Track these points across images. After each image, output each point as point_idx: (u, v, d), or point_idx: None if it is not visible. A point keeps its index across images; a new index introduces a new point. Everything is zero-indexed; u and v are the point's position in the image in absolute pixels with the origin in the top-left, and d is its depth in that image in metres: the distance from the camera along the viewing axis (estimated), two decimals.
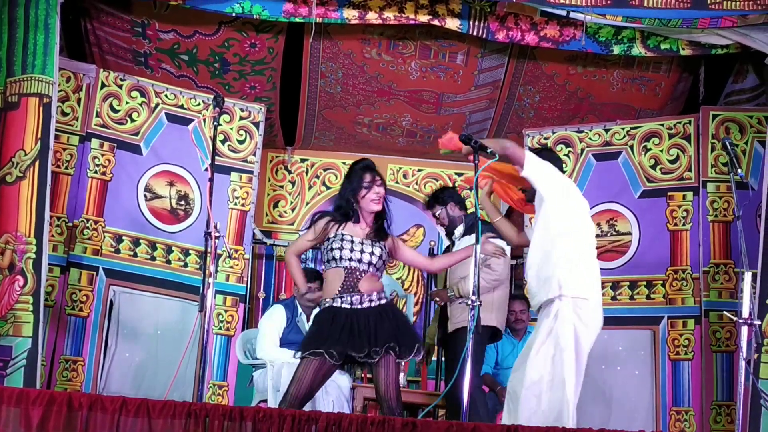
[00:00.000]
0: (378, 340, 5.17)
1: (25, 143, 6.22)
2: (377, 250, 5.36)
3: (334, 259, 5.32)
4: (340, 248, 5.30)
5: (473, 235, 6.37)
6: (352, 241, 5.32)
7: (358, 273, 5.30)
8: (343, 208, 5.42)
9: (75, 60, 7.49)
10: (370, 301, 5.30)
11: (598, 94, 8.18)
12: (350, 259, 5.29)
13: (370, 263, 5.33)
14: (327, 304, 5.32)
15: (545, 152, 5.63)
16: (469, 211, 6.81)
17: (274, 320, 7.06)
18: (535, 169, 5.23)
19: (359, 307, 5.27)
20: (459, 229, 6.61)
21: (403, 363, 5.44)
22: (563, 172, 5.58)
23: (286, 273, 8.94)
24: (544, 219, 5.29)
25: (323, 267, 5.46)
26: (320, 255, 5.54)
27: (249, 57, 7.89)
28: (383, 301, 5.35)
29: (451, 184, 9.45)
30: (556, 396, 5.04)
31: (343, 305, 5.26)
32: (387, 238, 5.46)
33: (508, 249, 6.43)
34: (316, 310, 7.41)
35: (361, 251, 5.32)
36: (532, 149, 5.95)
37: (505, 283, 6.51)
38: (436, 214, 6.67)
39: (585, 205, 5.46)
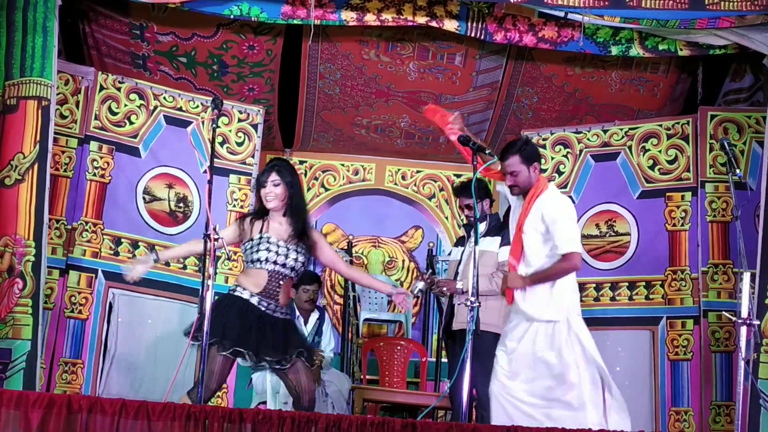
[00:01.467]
0: (288, 348, 5.37)
1: (23, 146, 6.23)
2: (301, 257, 5.50)
3: (258, 260, 5.45)
4: (267, 250, 5.44)
5: (496, 239, 6.37)
6: (278, 245, 5.46)
7: (280, 277, 5.44)
8: (259, 208, 5.62)
9: (73, 63, 7.49)
10: (282, 313, 5.48)
11: (596, 95, 8.19)
12: (275, 262, 5.43)
13: (292, 269, 5.48)
14: (245, 296, 5.43)
15: (528, 146, 5.66)
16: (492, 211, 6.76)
17: None
18: (571, 243, 5.41)
19: (272, 315, 5.43)
20: (482, 227, 6.50)
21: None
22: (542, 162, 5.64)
23: None
24: (551, 246, 5.42)
25: (246, 264, 5.58)
26: (243, 253, 5.63)
27: (247, 59, 7.90)
28: (287, 317, 5.55)
29: (449, 185, 9.47)
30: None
31: (260, 306, 5.41)
32: (308, 239, 5.56)
33: None
34: (314, 314, 7.43)
35: (286, 255, 5.46)
36: (516, 143, 5.88)
37: None
38: (471, 205, 6.49)
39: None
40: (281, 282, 5.44)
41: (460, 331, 6.37)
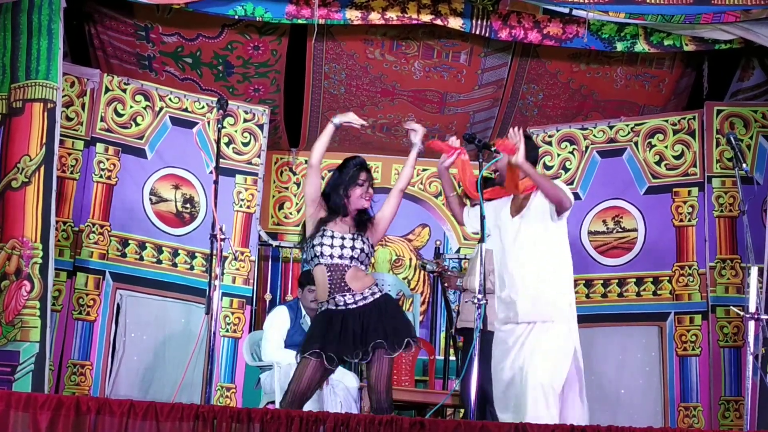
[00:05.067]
0: (368, 340, 5.18)
1: (30, 149, 6.24)
2: (359, 244, 5.34)
3: (316, 256, 5.33)
4: (321, 244, 5.30)
5: None
6: (333, 237, 5.32)
7: (341, 268, 5.29)
8: (337, 206, 5.43)
9: (79, 65, 7.51)
10: (364, 298, 5.29)
11: (601, 91, 8.18)
12: (331, 255, 5.29)
13: (351, 257, 5.30)
14: (323, 307, 5.33)
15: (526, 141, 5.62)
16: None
17: (277, 322, 7.07)
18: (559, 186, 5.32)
19: (353, 306, 5.26)
20: None
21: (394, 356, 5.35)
22: (538, 160, 5.59)
23: (292, 274, 8.95)
24: (547, 234, 5.35)
25: (308, 266, 5.50)
26: (303, 254, 5.54)
27: (252, 59, 7.90)
28: (377, 296, 5.32)
29: (456, 184, 9.47)
30: None
31: (338, 307, 5.27)
32: (368, 228, 5.45)
33: None
34: None
35: (342, 246, 5.30)
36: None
37: None
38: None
39: None
40: (344, 271, 5.27)
41: (465, 329, 6.37)
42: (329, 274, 5.29)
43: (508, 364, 5.31)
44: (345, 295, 5.27)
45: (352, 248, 5.31)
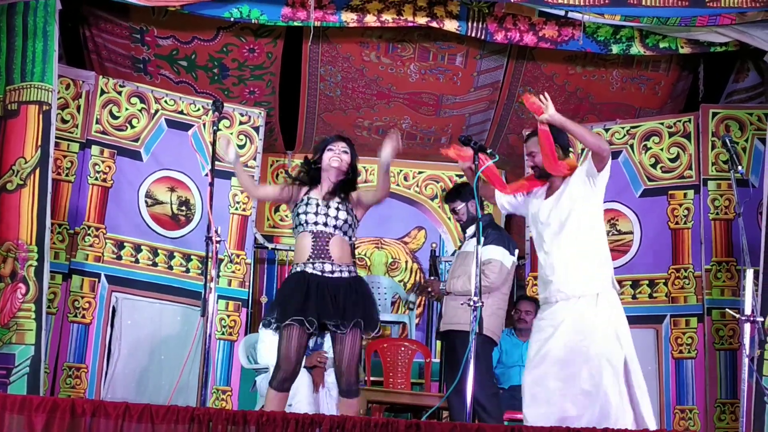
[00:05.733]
0: (346, 312, 5.18)
1: (25, 151, 6.24)
2: (342, 214, 5.32)
3: (300, 224, 5.32)
4: (305, 212, 5.31)
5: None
6: (318, 204, 5.32)
7: (325, 236, 5.28)
8: (308, 172, 5.46)
9: (74, 67, 7.50)
10: (341, 271, 5.27)
11: (597, 93, 8.18)
12: (315, 223, 5.28)
13: (335, 226, 5.29)
14: (299, 269, 5.30)
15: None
16: (486, 211, 6.67)
17: None
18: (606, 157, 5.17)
19: (330, 276, 5.24)
20: (471, 229, 6.44)
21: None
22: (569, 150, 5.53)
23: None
24: (584, 209, 5.19)
25: (294, 232, 5.47)
26: (292, 221, 5.52)
27: (248, 62, 7.90)
28: (353, 275, 5.34)
29: (451, 185, 9.47)
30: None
31: (315, 272, 5.25)
32: (350, 195, 5.42)
33: (505, 259, 6.32)
34: None
35: (326, 214, 5.30)
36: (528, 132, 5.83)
37: (501, 290, 6.38)
38: (456, 209, 6.51)
39: None
40: (328, 239, 5.26)
41: (449, 332, 6.35)
42: (313, 241, 5.28)
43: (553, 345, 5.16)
44: (324, 263, 5.26)
45: (336, 218, 5.30)
